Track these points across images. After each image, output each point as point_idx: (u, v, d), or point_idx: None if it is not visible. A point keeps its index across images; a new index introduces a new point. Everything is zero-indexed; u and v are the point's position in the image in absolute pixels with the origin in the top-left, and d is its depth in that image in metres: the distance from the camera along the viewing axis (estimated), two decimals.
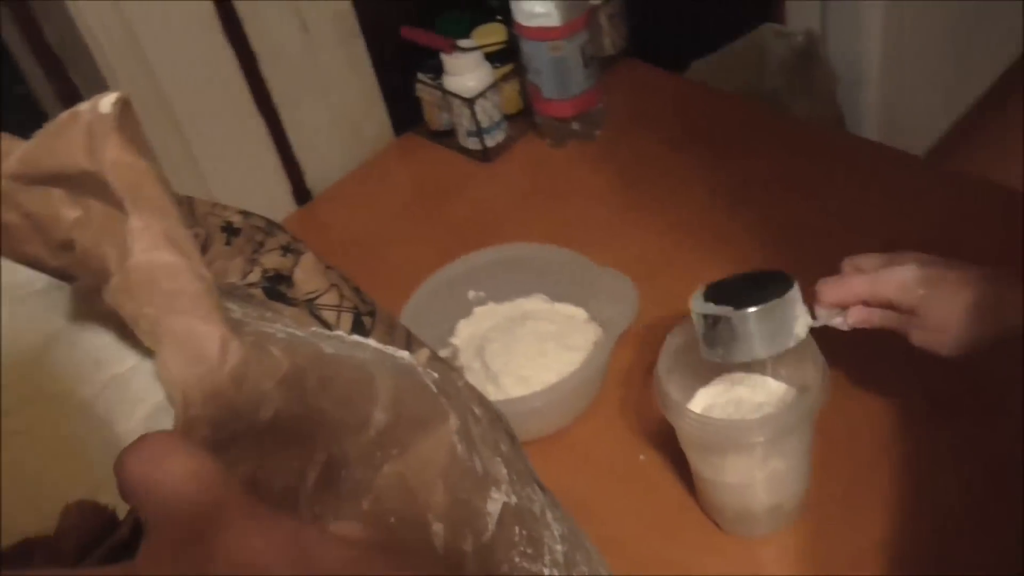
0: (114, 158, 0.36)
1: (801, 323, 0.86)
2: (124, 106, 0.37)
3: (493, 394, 1.01)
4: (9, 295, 0.55)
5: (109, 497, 0.54)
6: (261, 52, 1.28)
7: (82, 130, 0.37)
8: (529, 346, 1.04)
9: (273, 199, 1.36)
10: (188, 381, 0.34)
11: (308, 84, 1.35)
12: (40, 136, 0.39)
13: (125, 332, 0.54)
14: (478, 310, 1.13)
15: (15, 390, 0.54)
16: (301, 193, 1.40)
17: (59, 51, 1.16)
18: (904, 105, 2.34)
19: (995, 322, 0.83)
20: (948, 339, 0.85)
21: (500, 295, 1.13)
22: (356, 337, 0.48)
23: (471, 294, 1.13)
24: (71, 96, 1.19)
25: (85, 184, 0.38)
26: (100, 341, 0.55)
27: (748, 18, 1.91)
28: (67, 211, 0.40)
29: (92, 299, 0.44)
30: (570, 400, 1.01)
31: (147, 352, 0.54)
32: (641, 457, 1.00)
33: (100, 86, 1.18)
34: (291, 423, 0.38)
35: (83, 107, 0.38)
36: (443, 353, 1.07)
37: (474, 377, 1.03)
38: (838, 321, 0.89)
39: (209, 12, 1.21)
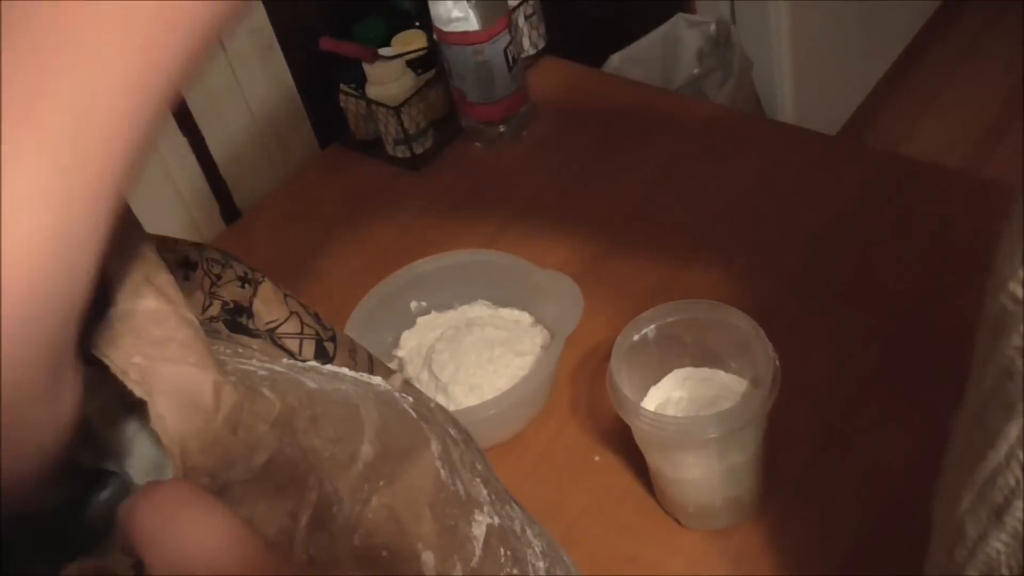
0: None
1: None
2: None
3: (444, 405, 1.00)
4: None
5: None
6: None
7: None
8: (477, 354, 1.03)
9: (201, 219, 1.34)
10: (185, 432, 0.33)
11: (229, 101, 1.33)
12: None
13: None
14: (421, 320, 1.12)
15: None
16: (230, 212, 1.38)
17: None
18: (816, 85, 2.38)
19: None
20: None
21: (442, 304, 1.12)
22: (331, 367, 0.47)
23: (413, 304, 1.12)
24: None
25: None
26: None
27: (660, 10, 1.93)
28: None
29: None
30: (523, 406, 1.01)
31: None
32: (596, 458, 1.00)
33: None
34: (284, 465, 0.37)
35: None
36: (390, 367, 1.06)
37: (423, 389, 1.02)
38: None
39: None
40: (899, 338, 1.04)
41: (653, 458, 0.90)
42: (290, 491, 0.38)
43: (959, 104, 2.68)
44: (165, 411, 0.33)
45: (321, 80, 1.40)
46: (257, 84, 1.35)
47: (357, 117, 1.40)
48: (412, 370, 1.07)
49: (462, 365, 1.03)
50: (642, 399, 0.92)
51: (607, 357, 0.90)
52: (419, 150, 1.37)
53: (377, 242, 1.30)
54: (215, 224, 1.37)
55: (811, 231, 1.17)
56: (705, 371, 0.93)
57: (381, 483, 0.42)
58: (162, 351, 0.34)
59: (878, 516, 0.90)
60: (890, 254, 1.12)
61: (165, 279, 0.35)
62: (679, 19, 1.90)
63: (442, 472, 0.46)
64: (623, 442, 0.97)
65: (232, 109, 1.34)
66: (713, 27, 1.88)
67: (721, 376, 0.92)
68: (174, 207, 1.30)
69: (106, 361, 0.34)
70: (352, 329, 1.04)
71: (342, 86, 1.38)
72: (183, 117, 1.28)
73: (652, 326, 0.90)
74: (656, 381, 0.93)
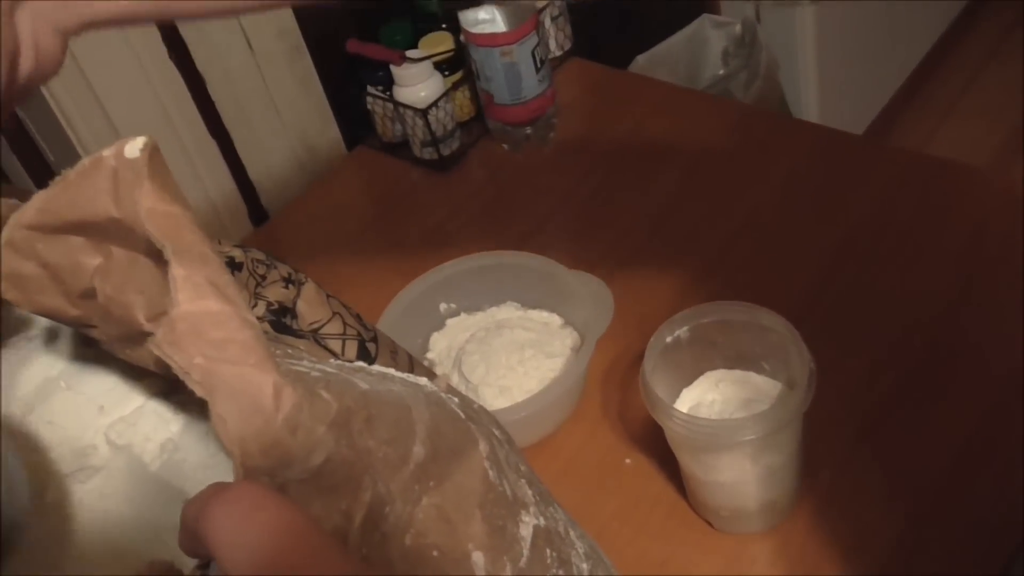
0: (150, 206, 0.35)
1: None
2: (153, 151, 0.36)
3: None
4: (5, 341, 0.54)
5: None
6: (209, 74, 1.26)
7: (107, 176, 0.36)
8: (507, 355, 1.03)
9: (230, 222, 1.35)
10: (245, 433, 0.33)
11: (258, 103, 1.33)
12: (59, 184, 0.38)
13: (130, 373, 0.53)
14: (451, 322, 1.12)
15: (15, 440, 0.53)
16: (257, 214, 1.38)
17: None
18: (840, 86, 2.37)
19: None
20: None
21: (472, 305, 1.12)
22: (378, 367, 0.47)
23: (442, 306, 1.12)
24: (18, 132, 1.16)
25: (109, 231, 0.37)
26: (102, 385, 0.53)
27: (685, 11, 1.92)
28: (88, 259, 0.38)
29: (111, 347, 0.42)
30: (554, 408, 1.00)
31: (153, 393, 0.53)
32: (627, 460, 1.00)
33: (48, 119, 1.15)
34: (339, 466, 0.37)
35: (107, 153, 0.36)
36: None
37: None
38: None
39: (154, 37, 1.19)
40: (932, 337, 1.03)
41: (686, 461, 0.90)
42: (344, 491, 0.38)
43: (983, 107, 2.67)
44: (226, 412, 0.33)
45: (348, 82, 1.41)
46: (285, 86, 1.36)
47: (384, 119, 1.40)
48: (442, 372, 1.07)
49: (492, 367, 1.03)
50: (675, 401, 0.91)
51: (637, 359, 0.90)
52: (446, 152, 1.37)
53: (404, 244, 1.30)
54: (243, 226, 1.37)
55: (840, 231, 1.16)
56: (738, 373, 0.92)
57: (432, 483, 0.42)
58: (223, 352, 0.34)
59: (914, 517, 0.90)
60: (920, 254, 1.11)
61: (227, 281, 0.35)
62: (704, 20, 1.90)
63: (490, 472, 0.45)
64: (654, 445, 0.97)
65: (260, 112, 1.34)
66: (739, 27, 1.87)
67: (755, 378, 0.92)
68: (203, 210, 1.31)
69: (168, 361, 0.34)
70: (382, 330, 1.04)
71: (369, 88, 1.38)
72: (212, 120, 1.28)
73: (685, 327, 0.90)
74: (689, 383, 0.93)
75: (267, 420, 0.34)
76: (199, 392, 0.34)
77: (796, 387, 0.84)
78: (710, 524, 0.93)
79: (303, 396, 0.35)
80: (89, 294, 0.39)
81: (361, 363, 0.51)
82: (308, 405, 0.35)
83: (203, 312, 0.34)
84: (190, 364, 0.34)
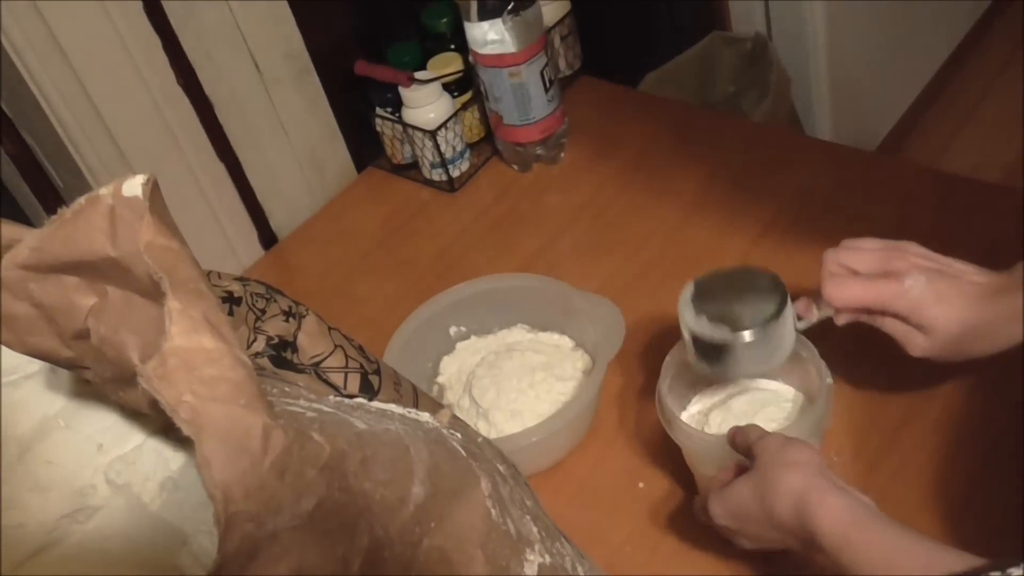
0: (149, 240, 0.34)
1: (790, 339, 0.85)
2: (154, 188, 0.35)
3: (485, 431, 0.99)
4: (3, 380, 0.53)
5: None
6: (217, 98, 1.26)
7: (104, 215, 0.35)
8: (518, 379, 1.02)
9: (239, 245, 1.34)
10: (230, 476, 0.33)
11: (266, 126, 1.33)
12: (55, 223, 0.37)
13: (129, 411, 0.52)
14: (461, 346, 1.11)
15: (13, 479, 0.52)
16: (267, 237, 1.37)
17: (9, 109, 1.13)
18: (854, 100, 2.35)
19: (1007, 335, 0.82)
20: (958, 352, 0.84)
21: (482, 329, 1.11)
22: (378, 404, 0.46)
23: (452, 330, 1.11)
24: (25, 156, 1.16)
25: (104, 270, 0.36)
26: (102, 423, 0.53)
27: (696, 28, 1.91)
28: (82, 299, 0.38)
29: (105, 388, 0.42)
30: (566, 432, 0.99)
31: (153, 431, 0.52)
32: (640, 484, 0.99)
33: (55, 143, 1.15)
34: (334, 510, 0.36)
35: (104, 191, 0.36)
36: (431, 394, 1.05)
37: (464, 415, 1.02)
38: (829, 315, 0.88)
39: (162, 63, 1.19)
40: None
41: (704, 475, 0.89)
42: (340, 536, 0.37)
43: (998, 118, 2.65)
44: (212, 454, 0.33)
45: (357, 104, 1.40)
46: (293, 109, 1.35)
47: (393, 141, 1.40)
48: (453, 396, 1.06)
49: (503, 391, 1.02)
50: (691, 415, 0.91)
51: (648, 381, 0.89)
52: (455, 173, 1.37)
53: (414, 266, 1.29)
54: (253, 250, 1.36)
55: None
56: (754, 382, 0.92)
57: (432, 524, 0.41)
58: (213, 390, 0.33)
59: (939, 530, 0.88)
60: None
61: (222, 319, 0.34)
62: (715, 37, 1.89)
63: (493, 511, 0.45)
64: (667, 468, 0.96)
65: (269, 134, 1.33)
66: (750, 44, 1.87)
67: (771, 387, 0.91)
68: (212, 233, 1.30)
69: (155, 395, 0.33)
70: (391, 355, 1.03)
71: (378, 110, 1.38)
72: (220, 144, 1.28)
73: None
74: (703, 398, 0.93)
75: (254, 463, 0.33)
76: (186, 431, 0.33)
77: (816, 402, 0.83)
78: (727, 540, 0.92)
79: (293, 439, 0.34)
80: (83, 335, 0.38)
81: (361, 400, 0.50)
82: (299, 448, 0.34)
83: (196, 348, 0.33)
84: (178, 401, 0.33)
